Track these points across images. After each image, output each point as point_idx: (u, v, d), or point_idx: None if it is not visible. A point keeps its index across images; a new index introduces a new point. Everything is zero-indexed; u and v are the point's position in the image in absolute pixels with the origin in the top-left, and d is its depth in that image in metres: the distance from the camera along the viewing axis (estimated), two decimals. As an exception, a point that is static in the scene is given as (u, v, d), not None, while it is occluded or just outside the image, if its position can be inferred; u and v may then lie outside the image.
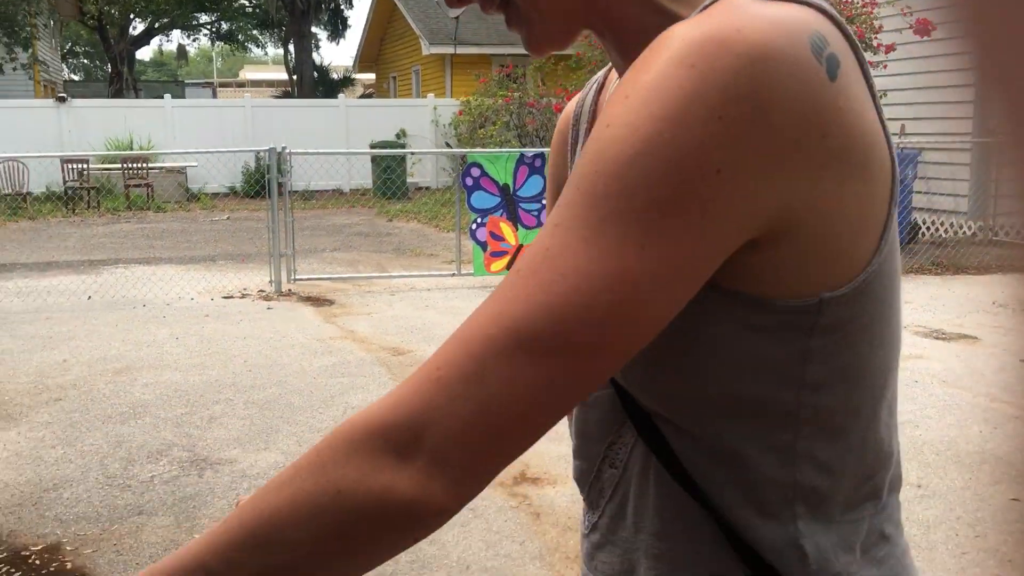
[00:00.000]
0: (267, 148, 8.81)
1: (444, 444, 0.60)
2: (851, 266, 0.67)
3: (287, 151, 8.80)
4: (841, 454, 0.72)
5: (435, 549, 3.33)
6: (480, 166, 8.00)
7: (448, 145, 17.52)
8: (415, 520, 0.61)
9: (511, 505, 3.68)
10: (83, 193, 15.36)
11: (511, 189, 8.01)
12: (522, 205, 8.03)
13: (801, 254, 0.64)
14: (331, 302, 7.87)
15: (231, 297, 8.07)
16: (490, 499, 3.72)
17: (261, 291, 8.30)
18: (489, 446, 0.61)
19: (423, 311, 7.42)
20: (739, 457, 0.71)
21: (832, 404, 0.70)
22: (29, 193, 15.09)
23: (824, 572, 0.72)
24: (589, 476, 0.82)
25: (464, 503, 0.62)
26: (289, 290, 8.33)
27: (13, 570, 3.20)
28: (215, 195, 16.65)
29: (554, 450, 4.16)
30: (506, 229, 8.01)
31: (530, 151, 8.25)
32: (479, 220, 7.99)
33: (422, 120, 18.54)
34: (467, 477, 0.61)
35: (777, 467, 0.71)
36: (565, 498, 3.73)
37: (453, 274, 8.71)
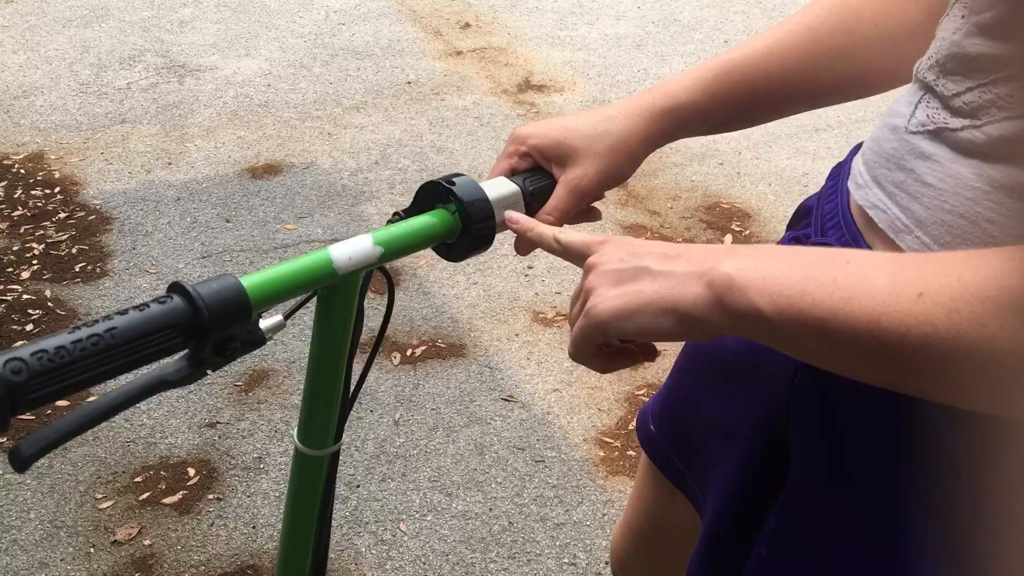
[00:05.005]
0: None
1: None
2: None
3: None
4: None
5: (443, 158, 3.19)
6: None
7: None
8: None
9: (518, 113, 3.50)
10: None
11: None
12: None
13: None
14: None
15: None
16: (495, 106, 3.53)
17: None
18: None
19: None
20: None
21: None
22: None
23: None
24: None
25: None
26: None
27: (-1, 180, 3.04)
28: None
29: (558, 56, 3.90)
30: None
31: None
32: None
33: None
34: None
35: None
36: (574, 105, 3.55)
37: None
